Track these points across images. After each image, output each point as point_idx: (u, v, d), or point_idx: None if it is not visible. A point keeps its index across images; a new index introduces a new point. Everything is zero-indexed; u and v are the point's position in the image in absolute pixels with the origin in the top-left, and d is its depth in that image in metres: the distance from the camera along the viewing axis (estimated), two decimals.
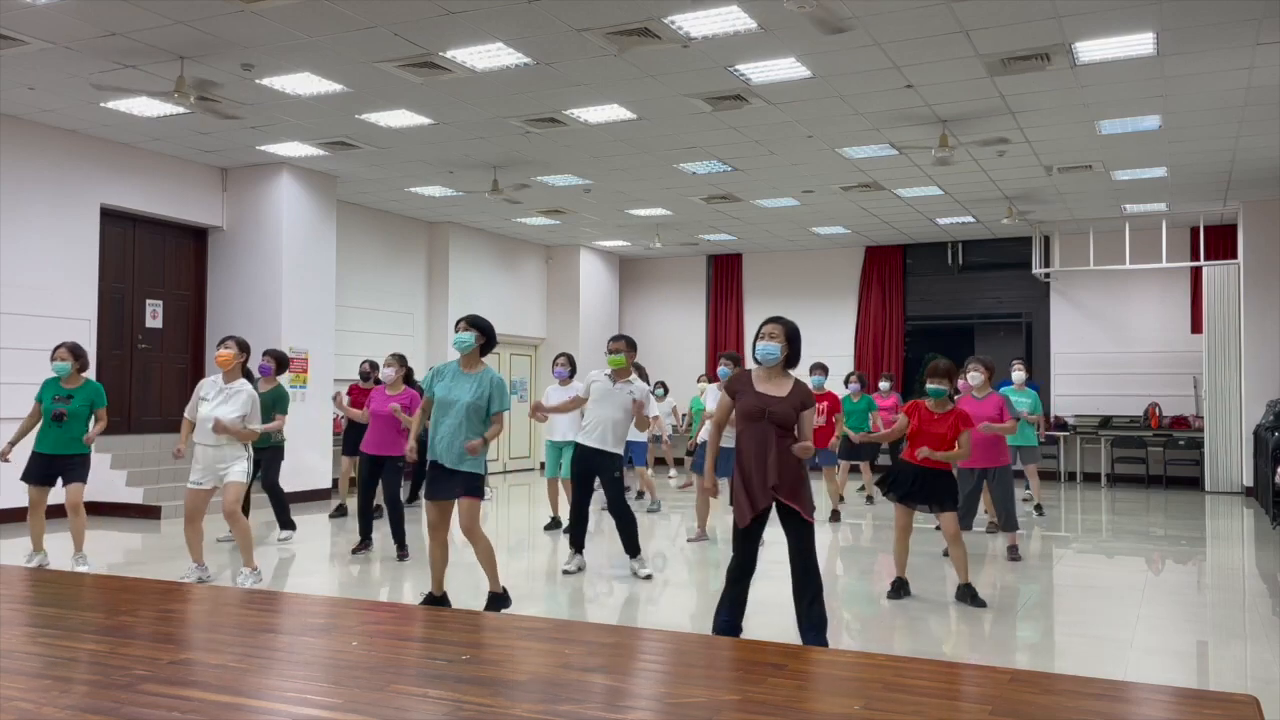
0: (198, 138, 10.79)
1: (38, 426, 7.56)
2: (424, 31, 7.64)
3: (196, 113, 9.58)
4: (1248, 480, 13.39)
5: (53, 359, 7.51)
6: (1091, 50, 7.90)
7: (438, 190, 13.24)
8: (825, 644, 5.08)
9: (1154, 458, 15.04)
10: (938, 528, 8.41)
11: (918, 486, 6.56)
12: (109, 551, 8.65)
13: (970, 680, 4.06)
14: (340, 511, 10.89)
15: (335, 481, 12.85)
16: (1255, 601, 6.98)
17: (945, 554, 8.31)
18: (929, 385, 6.69)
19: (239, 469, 6.80)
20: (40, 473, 7.45)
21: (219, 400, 6.79)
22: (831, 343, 16.88)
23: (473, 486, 5.81)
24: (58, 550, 8.06)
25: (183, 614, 5.28)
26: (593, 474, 7.39)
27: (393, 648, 4.37)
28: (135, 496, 10.48)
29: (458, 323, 5.90)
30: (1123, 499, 13.44)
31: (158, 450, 11.15)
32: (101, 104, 9.51)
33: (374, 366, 11.00)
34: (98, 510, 10.51)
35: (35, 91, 9.17)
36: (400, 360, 8.52)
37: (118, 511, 10.48)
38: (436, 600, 6.00)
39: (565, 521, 9.84)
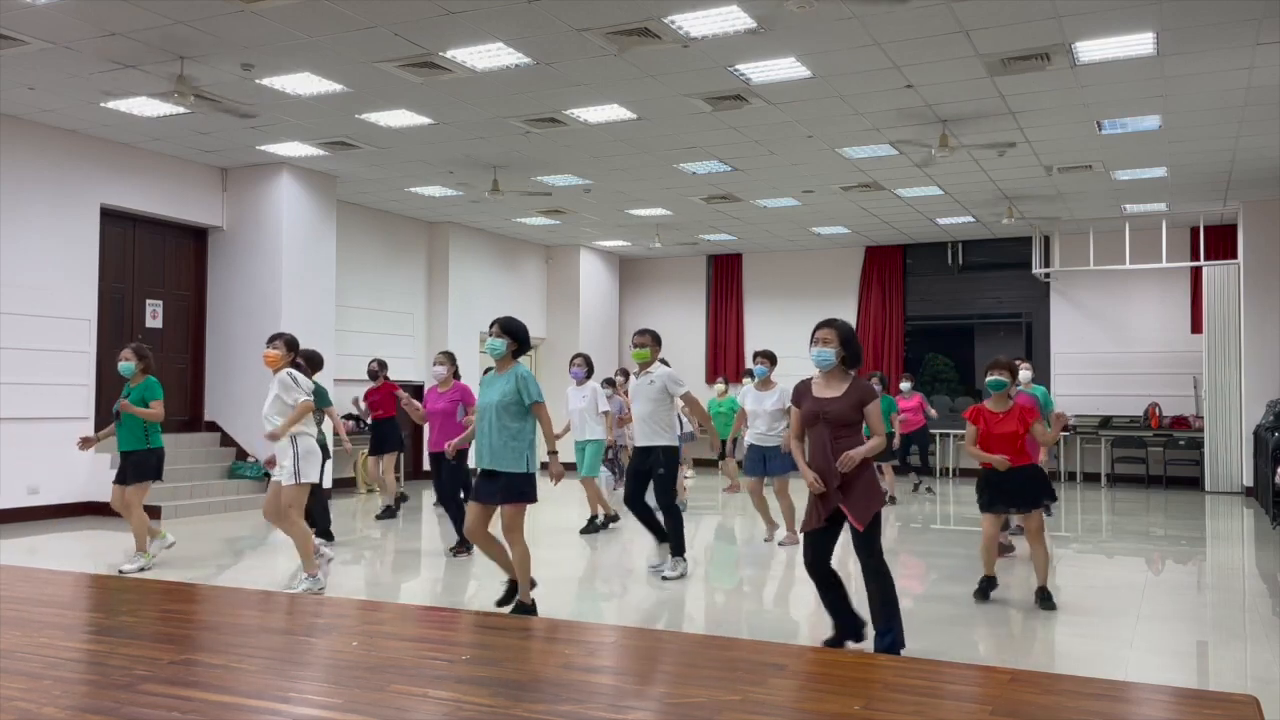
0: (198, 138, 10.79)
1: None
2: (424, 31, 7.64)
3: (200, 112, 9.59)
4: (1248, 480, 13.38)
5: (119, 360, 7.62)
6: (1091, 50, 7.90)
7: (438, 190, 13.24)
8: (895, 651, 4.99)
9: (1154, 458, 15.03)
10: (1011, 527, 8.34)
11: (1004, 489, 6.48)
12: (109, 551, 8.65)
13: (970, 680, 4.05)
14: (388, 512, 10.70)
15: (337, 482, 12.85)
16: (1255, 601, 6.97)
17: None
18: (989, 377, 6.56)
19: (285, 469, 6.70)
20: (119, 471, 7.63)
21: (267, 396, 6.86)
22: None
23: (514, 491, 5.71)
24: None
25: (183, 614, 5.28)
26: (644, 473, 7.35)
27: (393, 648, 4.37)
28: (142, 496, 10.46)
29: (490, 326, 5.87)
30: (1123, 499, 13.43)
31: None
32: (101, 104, 9.51)
33: (382, 365, 11.11)
34: (98, 510, 10.52)
35: (35, 91, 9.17)
36: (450, 358, 8.67)
37: (118, 511, 10.45)
38: (513, 584, 5.94)
39: (585, 524, 9.79)
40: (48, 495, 10.31)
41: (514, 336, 5.81)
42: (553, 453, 5.86)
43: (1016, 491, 6.49)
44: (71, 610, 5.38)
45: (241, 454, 11.89)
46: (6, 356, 9.93)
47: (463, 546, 8.22)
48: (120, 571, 7.40)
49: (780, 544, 8.94)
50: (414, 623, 5.48)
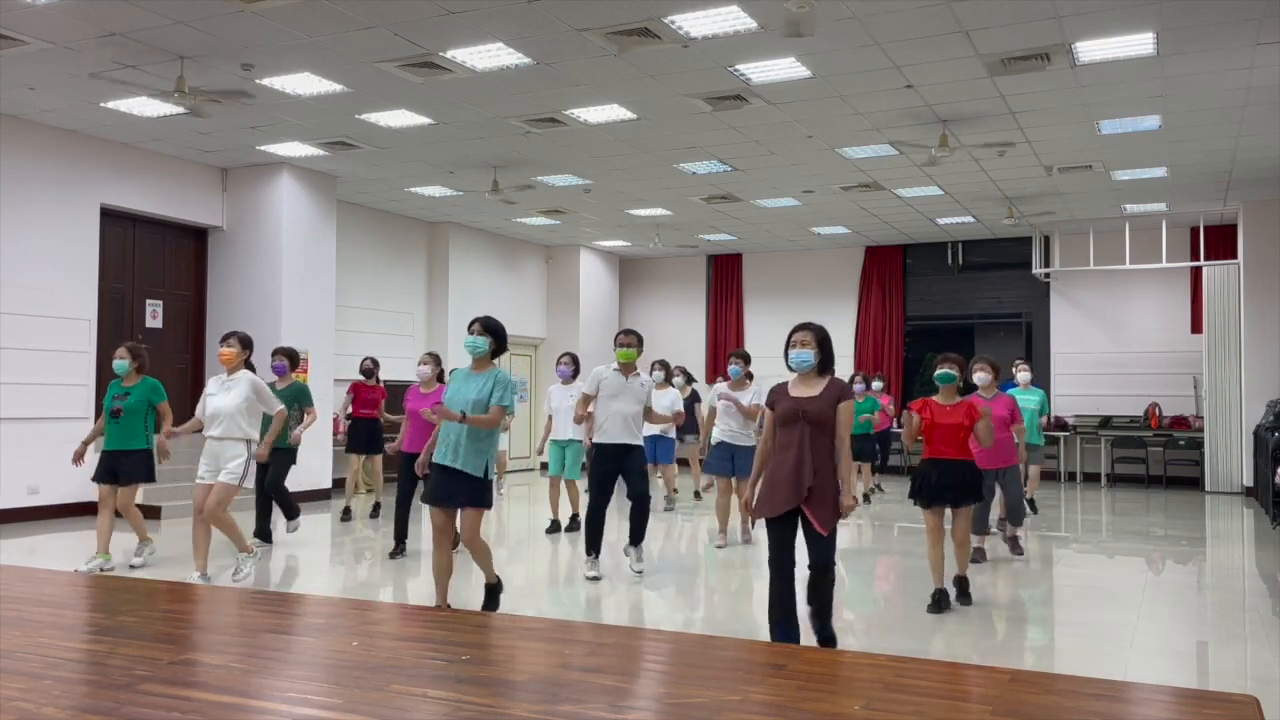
0: (198, 138, 10.79)
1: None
2: (424, 31, 7.64)
3: (200, 113, 9.58)
4: (1248, 480, 13.38)
5: (114, 358, 7.61)
6: (1091, 50, 7.90)
7: (438, 190, 13.24)
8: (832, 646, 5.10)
9: (1154, 458, 15.03)
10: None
11: (942, 483, 6.40)
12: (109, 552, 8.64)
13: (970, 680, 4.05)
14: (347, 515, 10.69)
15: (336, 482, 12.85)
16: (1255, 601, 6.98)
17: None
18: (939, 370, 6.51)
19: (232, 469, 6.72)
20: (104, 470, 7.51)
21: (221, 393, 6.82)
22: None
23: (475, 495, 5.66)
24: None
25: (183, 614, 5.28)
26: (614, 474, 7.27)
27: (393, 648, 4.37)
28: (135, 497, 10.45)
29: (471, 324, 5.87)
30: (1123, 499, 13.43)
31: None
32: (101, 104, 9.50)
33: (375, 364, 11.07)
34: (98, 510, 10.49)
35: (35, 91, 9.16)
36: (435, 359, 8.61)
37: (117, 511, 10.45)
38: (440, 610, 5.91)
39: (564, 524, 9.84)
40: (48, 495, 10.31)
41: (495, 336, 5.83)
42: (462, 414, 5.59)
43: (953, 487, 6.41)
44: (71, 610, 5.38)
45: None
46: (6, 356, 9.93)
47: (399, 550, 8.33)
48: (131, 567, 7.54)
49: (717, 546, 8.88)
50: (414, 623, 5.49)
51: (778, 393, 5.25)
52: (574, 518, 9.85)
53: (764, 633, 5.87)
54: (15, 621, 4.53)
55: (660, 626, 5.97)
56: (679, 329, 18.73)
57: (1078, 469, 15.60)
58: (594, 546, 7.38)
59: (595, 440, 7.36)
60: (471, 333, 5.82)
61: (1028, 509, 11.11)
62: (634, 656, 4.37)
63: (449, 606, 6.00)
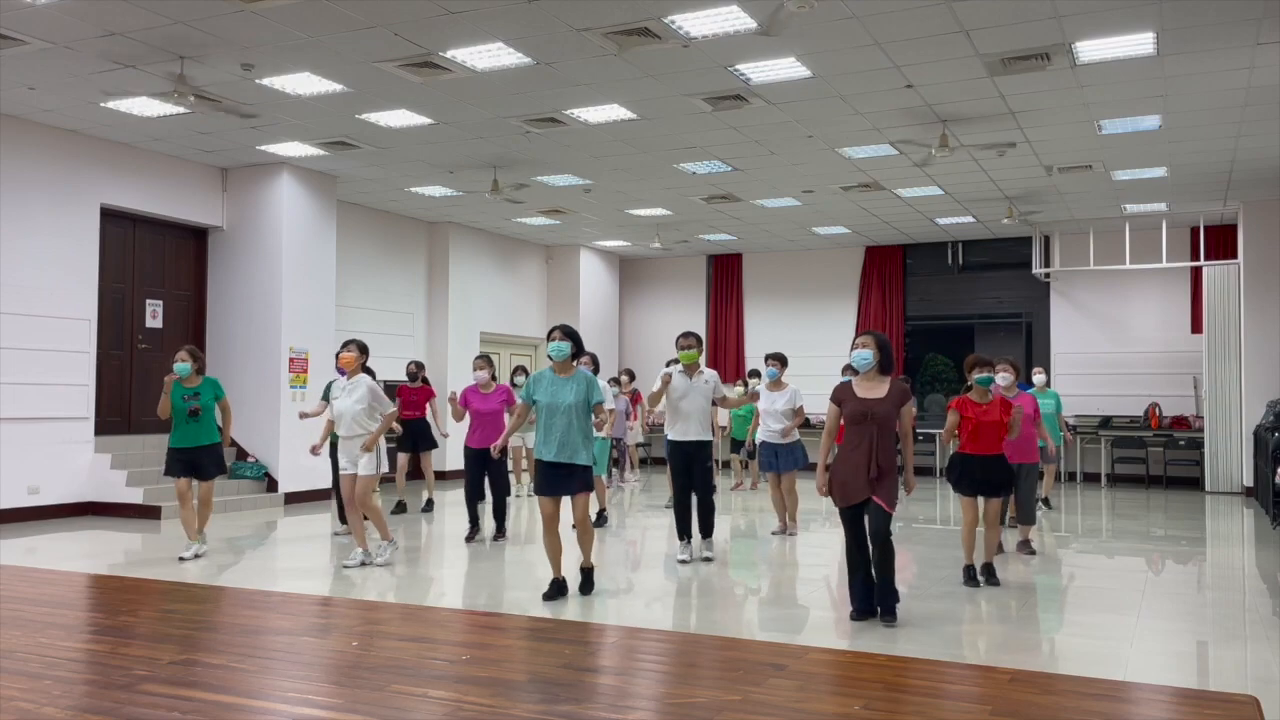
0: (198, 138, 10.79)
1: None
2: (424, 31, 7.64)
3: (200, 113, 9.59)
4: (1248, 480, 13.38)
5: (175, 361, 8.08)
6: (1091, 50, 7.90)
7: (438, 190, 13.24)
8: (892, 618, 5.75)
9: (1154, 458, 15.03)
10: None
11: (983, 477, 7.04)
12: (109, 552, 8.65)
13: (970, 680, 4.06)
14: (400, 508, 10.96)
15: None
16: (1255, 601, 6.97)
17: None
18: (979, 375, 7.08)
19: (367, 460, 7.47)
20: (179, 467, 8.01)
21: (344, 395, 7.55)
22: (831, 342, 16.88)
23: (588, 482, 6.40)
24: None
25: (183, 614, 5.28)
26: (689, 468, 7.88)
27: (393, 648, 4.38)
28: (135, 496, 10.46)
29: (552, 331, 6.55)
30: (1123, 499, 13.43)
31: (158, 450, 11.10)
32: (101, 104, 9.51)
33: (420, 367, 11.27)
34: (98, 510, 10.52)
35: (35, 91, 9.17)
36: (488, 361, 9.40)
37: (118, 511, 10.48)
38: (559, 584, 6.47)
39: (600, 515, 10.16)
40: (48, 495, 10.31)
41: (574, 341, 6.54)
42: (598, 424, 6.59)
43: (991, 480, 7.07)
44: (71, 610, 5.38)
45: (242, 454, 11.89)
46: (6, 356, 9.92)
47: (475, 533, 9.04)
48: (180, 559, 7.80)
49: (773, 533, 9.51)
50: (414, 623, 5.49)
51: (844, 392, 5.94)
52: (600, 513, 10.14)
53: (764, 632, 5.88)
54: (15, 621, 4.54)
55: (662, 627, 5.96)
56: (679, 329, 18.50)
57: (1078, 469, 15.60)
58: (683, 533, 7.99)
59: (670, 438, 7.98)
60: (553, 339, 6.51)
61: (1042, 506, 11.17)
62: (634, 656, 4.38)
63: (564, 580, 6.55)
